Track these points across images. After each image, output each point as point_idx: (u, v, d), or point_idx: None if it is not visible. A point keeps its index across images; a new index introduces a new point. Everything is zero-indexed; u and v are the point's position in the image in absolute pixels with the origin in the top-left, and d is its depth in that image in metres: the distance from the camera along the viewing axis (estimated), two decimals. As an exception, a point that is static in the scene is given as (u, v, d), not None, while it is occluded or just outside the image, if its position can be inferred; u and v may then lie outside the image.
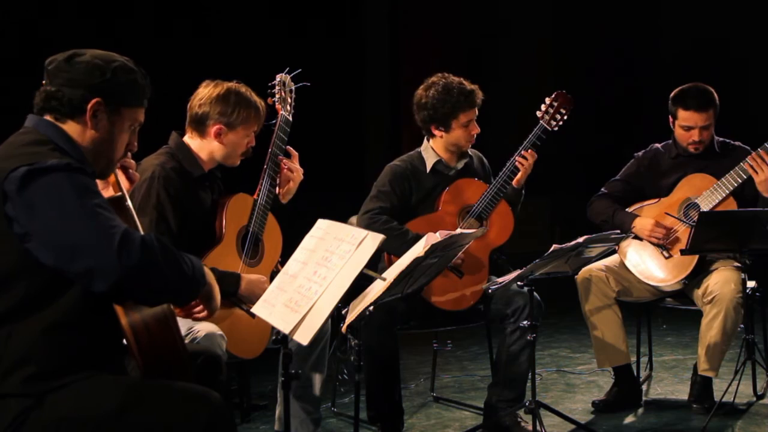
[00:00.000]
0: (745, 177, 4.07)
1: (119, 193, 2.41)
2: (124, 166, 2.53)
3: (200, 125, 3.35)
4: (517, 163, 3.90)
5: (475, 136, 3.96)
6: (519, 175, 3.92)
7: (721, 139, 4.29)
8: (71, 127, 2.24)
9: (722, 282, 4.01)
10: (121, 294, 2.09)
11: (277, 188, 3.49)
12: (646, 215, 4.24)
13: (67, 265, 2.04)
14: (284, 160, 3.50)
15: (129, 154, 2.49)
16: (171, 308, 2.25)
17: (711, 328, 4.00)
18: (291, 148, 3.53)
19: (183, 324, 2.94)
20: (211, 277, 2.32)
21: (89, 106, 2.23)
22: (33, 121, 2.26)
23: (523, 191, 4.02)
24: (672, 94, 4.26)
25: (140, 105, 2.33)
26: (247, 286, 3.20)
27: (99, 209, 2.07)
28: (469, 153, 4.06)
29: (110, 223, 2.06)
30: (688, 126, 4.20)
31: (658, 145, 4.40)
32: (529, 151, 3.91)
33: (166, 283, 2.13)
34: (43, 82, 2.27)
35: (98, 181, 2.39)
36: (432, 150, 4.01)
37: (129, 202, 2.42)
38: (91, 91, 2.22)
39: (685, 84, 4.27)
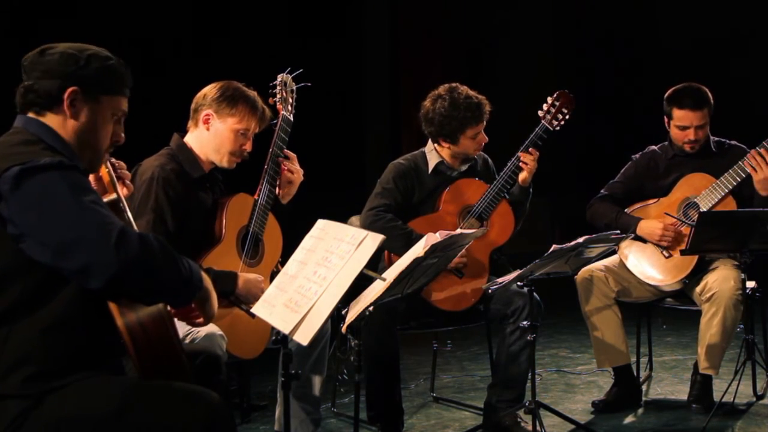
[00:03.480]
0: (744, 176, 4.07)
1: (114, 195, 2.40)
2: (120, 177, 2.54)
3: (195, 113, 3.39)
4: (521, 164, 3.89)
5: (483, 144, 3.96)
6: (524, 174, 3.92)
7: (716, 138, 4.30)
8: (51, 120, 2.23)
9: (721, 279, 4.01)
10: (117, 290, 2.09)
11: (278, 189, 3.50)
12: (646, 216, 4.25)
13: (64, 262, 2.04)
14: (284, 162, 3.50)
15: (122, 165, 2.52)
16: (167, 308, 2.25)
17: (711, 327, 4.00)
18: (288, 151, 3.53)
19: (183, 324, 2.94)
20: (209, 283, 2.32)
21: (66, 95, 2.22)
22: (21, 122, 2.26)
23: (531, 190, 4.01)
24: (666, 95, 4.27)
25: (120, 93, 2.31)
26: (244, 285, 3.19)
27: (95, 205, 2.07)
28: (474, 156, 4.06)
29: (107, 220, 2.06)
30: (683, 125, 4.20)
31: (655, 147, 4.41)
32: (530, 149, 3.90)
33: (162, 281, 2.12)
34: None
35: (95, 185, 2.40)
36: (436, 152, 4.01)
37: (124, 204, 2.42)
38: (66, 80, 2.21)
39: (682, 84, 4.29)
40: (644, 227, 4.19)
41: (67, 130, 2.24)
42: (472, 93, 3.91)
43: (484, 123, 3.93)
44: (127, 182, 2.63)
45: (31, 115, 2.24)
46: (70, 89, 2.21)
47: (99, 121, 2.27)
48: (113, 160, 2.57)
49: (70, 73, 2.21)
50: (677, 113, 4.21)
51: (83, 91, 2.23)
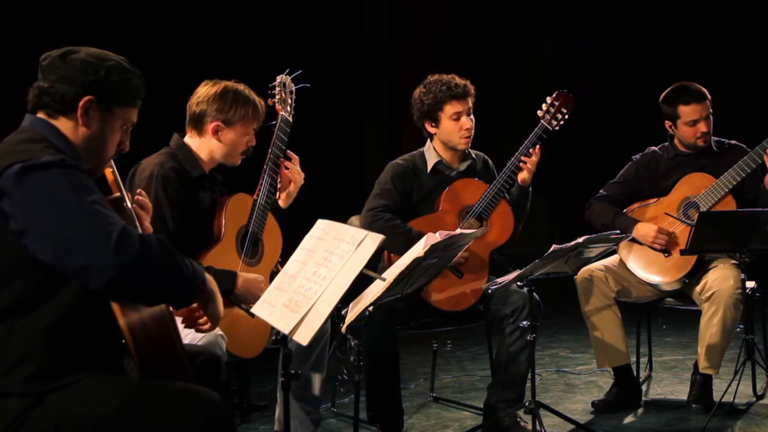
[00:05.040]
0: (744, 175, 4.08)
1: (118, 194, 2.41)
2: (138, 216, 2.54)
3: (198, 123, 3.37)
4: (521, 164, 3.89)
5: (468, 132, 3.91)
6: (524, 174, 3.91)
7: (716, 138, 4.31)
8: (63, 124, 2.24)
9: (721, 279, 4.02)
10: (117, 291, 2.10)
11: (278, 193, 3.51)
12: (646, 216, 4.25)
13: (64, 261, 2.05)
14: (285, 162, 3.51)
15: (147, 205, 2.53)
16: (169, 308, 2.25)
17: (710, 326, 4.00)
18: (291, 153, 3.54)
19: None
20: (213, 285, 2.32)
21: (81, 103, 2.23)
22: (28, 121, 2.27)
23: (530, 189, 4.01)
24: (663, 98, 4.29)
25: (133, 105, 2.34)
26: (243, 284, 3.20)
27: (96, 206, 2.08)
28: (473, 155, 4.05)
29: (108, 220, 2.06)
30: (694, 120, 4.22)
31: (655, 148, 4.42)
32: (531, 150, 3.90)
33: (163, 282, 2.13)
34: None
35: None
36: (434, 150, 4.01)
37: (128, 203, 2.42)
38: (83, 89, 2.23)
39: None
40: (639, 229, 4.19)
41: (77, 136, 2.26)
42: (458, 78, 3.94)
43: (467, 105, 3.91)
44: (146, 224, 2.59)
45: (40, 115, 2.25)
46: (85, 98, 2.23)
47: (108, 131, 2.30)
48: (141, 197, 2.57)
49: (88, 83, 2.23)
50: (685, 110, 4.22)
51: (98, 101, 2.25)
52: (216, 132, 3.35)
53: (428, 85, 3.94)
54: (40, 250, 2.07)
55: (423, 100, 3.93)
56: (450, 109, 3.89)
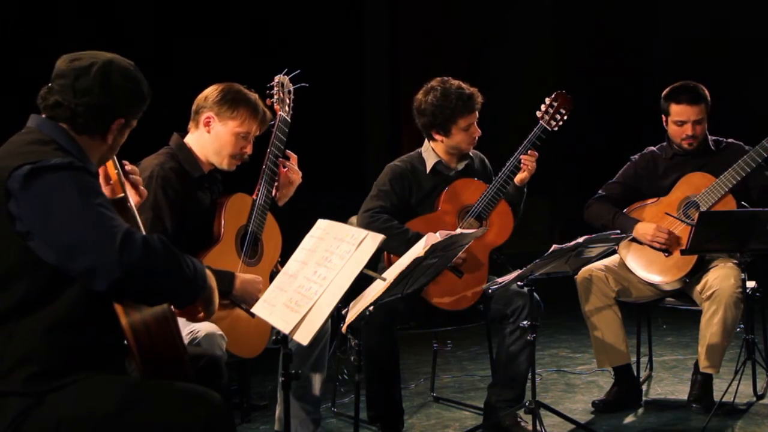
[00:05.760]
0: (744, 174, 4.08)
1: (122, 195, 2.43)
2: (134, 183, 2.60)
3: (196, 115, 3.40)
4: (522, 165, 3.90)
5: (476, 138, 3.97)
6: (524, 174, 3.92)
7: (713, 137, 4.31)
8: (83, 138, 2.27)
9: (721, 277, 4.02)
10: (121, 292, 2.11)
11: (274, 191, 3.50)
12: (646, 215, 4.25)
13: (69, 263, 2.06)
14: (285, 163, 3.50)
15: (135, 170, 2.64)
16: (171, 308, 2.26)
17: (711, 325, 4.00)
18: (289, 151, 3.54)
19: (183, 324, 2.94)
20: (212, 279, 2.33)
21: (114, 126, 2.29)
22: (35, 121, 2.28)
23: (525, 190, 4.02)
24: (664, 93, 4.30)
25: (141, 113, 2.41)
26: (241, 285, 3.19)
27: (101, 208, 2.09)
28: (470, 154, 4.06)
29: (112, 223, 2.08)
30: (681, 120, 4.22)
31: (653, 148, 4.42)
32: (530, 150, 3.91)
33: (166, 283, 2.14)
34: (50, 84, 2.28)
35: (105, 187, 2.45)
36: (432, 151, 4.01)
37: (131, 203, 2.44)
38: (119, 113, 2.29)
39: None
40: (639, 228, 4.19)
41: (101, 150, 2.32)
42: (464, 85, 3.93)
43: (477, 114, 3.94)
44: (141, 188, 2.66)
45: (62, 125, 2.26)
46: (119, 121, 2.30)
47: (120, 140, 2.37)
48: (129, 166, 2.63)
49: (123, 107, 2.30)
50: (674, 108, 4.23)
51: (126, 119, 2.32)
52: (207, 124, 3.36)
53: (441, 98, 3.87)
54: (45, 251, 2.08)
55: (435, 112, 3.89)
56: (464, 122, 3.90)
